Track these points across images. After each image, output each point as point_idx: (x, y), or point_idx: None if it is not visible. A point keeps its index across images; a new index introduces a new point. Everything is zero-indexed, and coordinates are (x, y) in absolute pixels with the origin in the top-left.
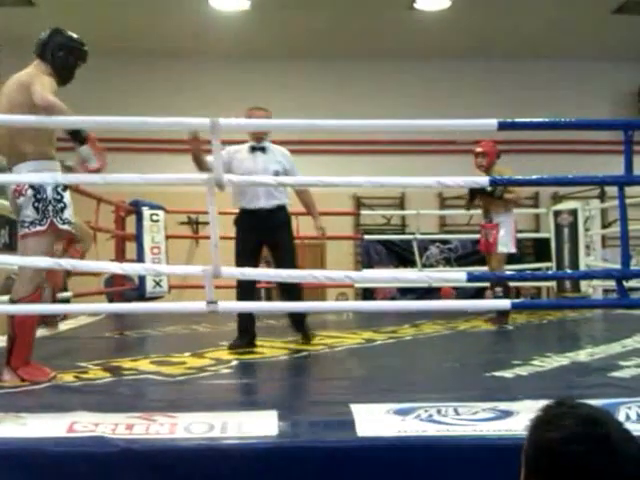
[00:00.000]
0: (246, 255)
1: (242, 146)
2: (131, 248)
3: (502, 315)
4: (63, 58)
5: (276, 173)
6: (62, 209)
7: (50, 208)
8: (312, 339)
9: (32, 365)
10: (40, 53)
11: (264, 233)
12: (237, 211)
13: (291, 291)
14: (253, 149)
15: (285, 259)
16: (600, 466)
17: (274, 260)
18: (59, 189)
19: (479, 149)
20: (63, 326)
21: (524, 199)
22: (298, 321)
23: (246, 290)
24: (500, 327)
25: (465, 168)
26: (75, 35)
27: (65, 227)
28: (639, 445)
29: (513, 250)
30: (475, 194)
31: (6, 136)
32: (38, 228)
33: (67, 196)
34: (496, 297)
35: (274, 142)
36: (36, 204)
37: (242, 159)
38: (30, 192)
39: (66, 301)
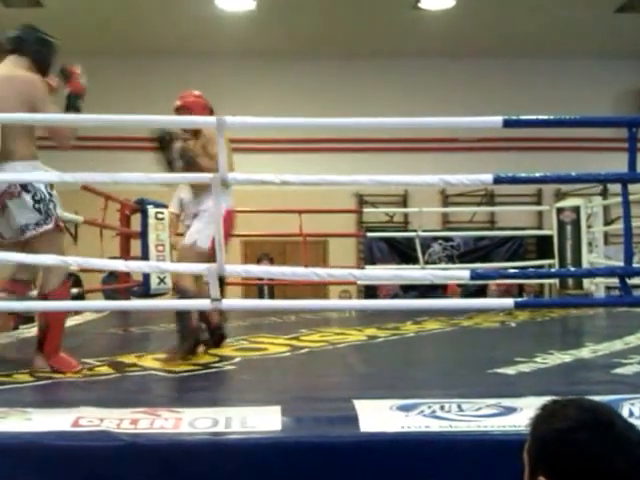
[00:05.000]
0: None
1: None
2: (136, 245)
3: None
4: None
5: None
6: (55, 207)
7: (51, 207)
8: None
9: (62, 355)
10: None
11: None
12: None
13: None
14: None
15: None
16: (604, 451)
17: None
18: (49, 188)
19: (178, 103)
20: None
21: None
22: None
23: None
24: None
25: (469, 165)
26: None
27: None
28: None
29: (205, 246)
30: (161, 152)
31: None
32: (45, 228)
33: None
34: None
35: (278, 141)
36: (36, 205)
37: None
38: (26, 194)
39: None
